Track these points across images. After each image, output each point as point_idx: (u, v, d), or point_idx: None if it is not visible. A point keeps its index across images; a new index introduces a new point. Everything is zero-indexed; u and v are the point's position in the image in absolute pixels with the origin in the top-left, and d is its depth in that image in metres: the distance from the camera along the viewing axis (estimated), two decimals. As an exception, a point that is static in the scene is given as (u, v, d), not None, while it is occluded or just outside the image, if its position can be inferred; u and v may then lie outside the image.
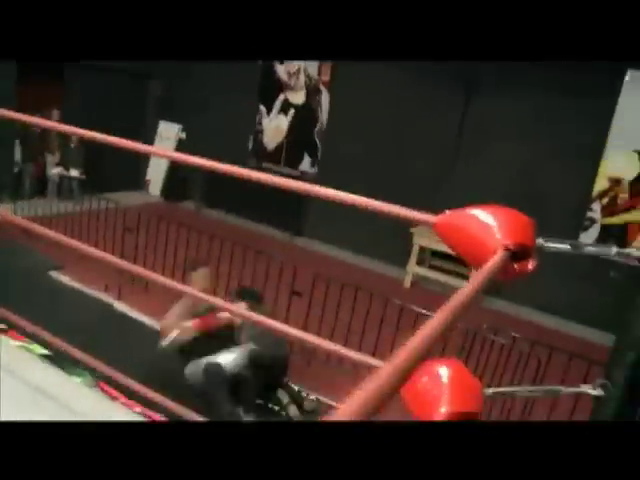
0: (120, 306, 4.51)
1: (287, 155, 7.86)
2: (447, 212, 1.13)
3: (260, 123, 7.98)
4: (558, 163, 6.09)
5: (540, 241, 1.14)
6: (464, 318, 4.02)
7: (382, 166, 7.05)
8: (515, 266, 1.01)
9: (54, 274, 4.89)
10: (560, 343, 4.15)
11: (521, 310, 6.18)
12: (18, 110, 6.02)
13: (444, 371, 1.01)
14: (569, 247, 1.19)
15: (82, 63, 6.70)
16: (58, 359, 2.44)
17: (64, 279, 4.84)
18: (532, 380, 3.66)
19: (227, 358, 3.23)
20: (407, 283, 6.59)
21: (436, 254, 6.49)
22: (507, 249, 0.98)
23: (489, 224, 1.03)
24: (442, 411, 0.93)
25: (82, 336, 3.13)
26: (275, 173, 8.01)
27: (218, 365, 3.14)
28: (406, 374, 0.52)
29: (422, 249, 6.55)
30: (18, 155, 6.99)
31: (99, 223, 5.32)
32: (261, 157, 8.02)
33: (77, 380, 2.29)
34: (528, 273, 1.03)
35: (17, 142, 6.95)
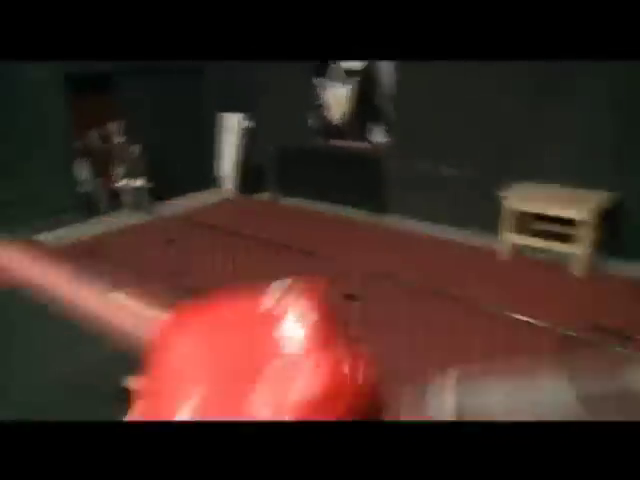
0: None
1: (355, 127, 7.14)
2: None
3: (320, 98, 7.32)
4: None
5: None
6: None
7: (461, 128, 6.19)
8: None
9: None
10: None
11: None
12: (76, 126, 5.94)
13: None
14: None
15: (129, 71, 6.46)
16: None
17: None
18: None
19: None
20: (504, 254, 5.69)
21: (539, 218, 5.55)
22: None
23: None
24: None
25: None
26: (344, 149, 7.38)
27: None
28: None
29: (521, 215, 5.56)
30: (87, 173, 6.95)
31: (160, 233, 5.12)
32: (328, 133, 7.38)
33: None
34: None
35: (84, 160, 6.89)
